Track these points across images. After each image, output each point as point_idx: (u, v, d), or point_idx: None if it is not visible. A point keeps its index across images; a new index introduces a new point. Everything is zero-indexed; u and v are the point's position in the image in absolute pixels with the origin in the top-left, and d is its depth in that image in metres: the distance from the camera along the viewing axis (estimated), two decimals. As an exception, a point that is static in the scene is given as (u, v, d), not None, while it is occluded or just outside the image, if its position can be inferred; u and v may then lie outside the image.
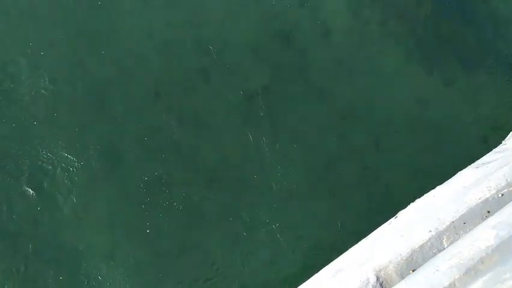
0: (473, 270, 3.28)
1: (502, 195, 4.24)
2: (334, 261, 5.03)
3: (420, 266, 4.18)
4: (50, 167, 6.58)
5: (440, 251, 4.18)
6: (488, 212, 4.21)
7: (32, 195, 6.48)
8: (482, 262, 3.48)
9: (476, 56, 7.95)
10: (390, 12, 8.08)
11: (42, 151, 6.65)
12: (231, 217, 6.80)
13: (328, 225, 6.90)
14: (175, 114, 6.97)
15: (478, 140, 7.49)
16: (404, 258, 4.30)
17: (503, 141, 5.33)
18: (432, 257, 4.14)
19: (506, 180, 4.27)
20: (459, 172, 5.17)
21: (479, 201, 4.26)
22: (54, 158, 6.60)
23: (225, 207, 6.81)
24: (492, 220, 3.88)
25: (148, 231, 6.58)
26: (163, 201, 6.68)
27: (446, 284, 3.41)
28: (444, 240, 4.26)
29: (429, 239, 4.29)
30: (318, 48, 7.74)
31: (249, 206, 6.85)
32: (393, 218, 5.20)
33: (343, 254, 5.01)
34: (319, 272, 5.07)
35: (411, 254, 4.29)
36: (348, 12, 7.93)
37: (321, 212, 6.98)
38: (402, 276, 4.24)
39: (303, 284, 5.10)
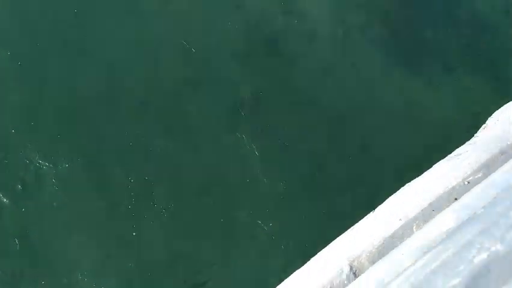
0: (434, 250, 3.41)
1: (468, 182, 4.37)
2: (313, 258, 5.14)
3: (390, 253, 4.30)
4: (32, 179, 6.74)
5: (409, 238, 4.30)
6: (456, 199, 4.34)
7: (13, 207, 6.62)
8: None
9: (459, 58, 8.09)
10: (373, 15, 8.27)
11: (24, 161, 6.82)
12: (223, 223, 6.94)
13: (319, 225, 7.04)
14: (163, 124, 7.16)
15: (462, 139, 7.59)
16: (376, 247, 4.42)
17: (475, 134, 5.47)
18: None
19: (472, 168, 4.41)
20: (434, 165, 5.31)
21: (447, 189, 4.40)
22: (36, 169, 6.76)
23: (217, 214, 6.96)
24: (455, 204, 4.02)
25: (137, 242, 6.71)
26: (152, 212, 6.83)
27: (408, 264, 3.54)
28: (414, 228, 4.39)
29: (400, 227, 4.42)
30: (304, 54, 7.93)
31: (241, 211, 7.00)
32: (372, 212, 5.33)
33: (321, 251, 5.13)
34: (298, 270, 5.17)
35: (383, 243, 4.42)
36: (333, 18, 8.12)
37: (312, 213, 7.11)
38: (374, 263, 4.36)
39: (282, 283, 5.19)
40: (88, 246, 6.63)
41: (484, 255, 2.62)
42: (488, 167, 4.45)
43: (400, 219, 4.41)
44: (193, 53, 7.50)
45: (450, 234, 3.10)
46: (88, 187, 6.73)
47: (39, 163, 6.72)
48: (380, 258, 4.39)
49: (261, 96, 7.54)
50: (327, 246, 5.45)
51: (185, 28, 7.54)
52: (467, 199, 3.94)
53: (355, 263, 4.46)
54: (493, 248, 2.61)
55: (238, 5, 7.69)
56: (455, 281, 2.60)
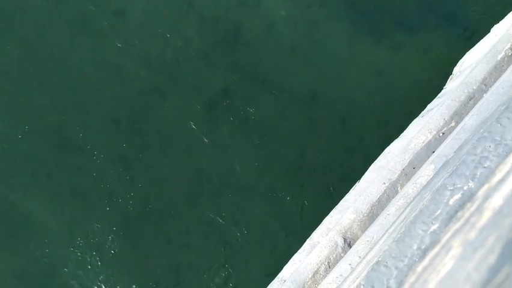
0: (412, 202, 3.43)
1: (443, 133, 4.38)
2: (307, 239, 5.15)
3: (380, 217, 4.30)
4: (23, 222, 6.57)
5: (396, 199, 4.32)
6: (433, 152, 4.35)
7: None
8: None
9: (417, 18, 8.11)
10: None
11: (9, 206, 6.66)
12: (219, 229, 6.88)
13: (316, 211, 7.01)
14: (140, 138, 7.07)
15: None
16: (366, 215, 4.43)
17: (444, 86, 5.49)
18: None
19: (444, 119, 4.42)
20: (409, 125, 5.33)
21: (423, 144, 4.41)
22: (26, 212, 6.60)
23: (212, 220, 6.90)
24: (432, 157, 4.03)
25: (141, 263, 6.61)
26: (148, 230, 6.74)
27: (392, 221, 3.55)
28: (398, 189, 4.40)
29: (385, 190, 4.43)
30: (267, 42, 7.88)
31: (236, 211, 6.95)
32: (357, 182, 5.34)
33: (314, 231, 5.13)
34: (296, 254, 5.18)
35: (371, 209, 4.43)
36: (288, 0, 8.05)
37: (307, 200, 7.08)
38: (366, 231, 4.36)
39: (283, 270, 5.19)
40: (93, 274, 6.57)
41: (457, 196, 2.62)
42: (460, 115, 4.47)
43: (384, 183, 4.42)
44: (155, 61, 7.39)
45: (426, 184, 3.10)
46: (82, 224, 6.65)
47: (31, 209, 6.58)
48: (371, 224, 4.40)
49: (231, 91, 7.49)
50: (320, 225, 5.46)
51: (143, 39, 7.43)
52: (442, 149, 3.95)
53: (348, 234, 4.46)
54: (465, 187, 2.61)
55: (191, 4, 7.63)
56: (434, 226, 2.60)
